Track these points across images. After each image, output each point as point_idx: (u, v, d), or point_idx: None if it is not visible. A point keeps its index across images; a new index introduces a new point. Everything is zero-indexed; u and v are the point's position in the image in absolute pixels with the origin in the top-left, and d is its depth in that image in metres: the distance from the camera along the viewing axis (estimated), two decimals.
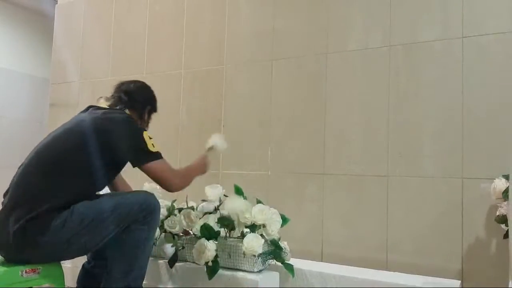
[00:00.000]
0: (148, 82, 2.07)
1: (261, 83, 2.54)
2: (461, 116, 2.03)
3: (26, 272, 1.57)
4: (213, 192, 2.07)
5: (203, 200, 2.09)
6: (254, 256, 1.85)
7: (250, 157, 2.53)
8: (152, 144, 1.74)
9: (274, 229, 1.90)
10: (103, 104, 1.93)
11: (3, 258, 1.64)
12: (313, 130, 2.36)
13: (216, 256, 1.89)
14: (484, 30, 2.02)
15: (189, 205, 2.13)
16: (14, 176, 1.72)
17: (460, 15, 2.07)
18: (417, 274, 1.96)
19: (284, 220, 1.95)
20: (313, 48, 2.41)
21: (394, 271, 2.02)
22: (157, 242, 2.08)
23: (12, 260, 1.61)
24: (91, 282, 1.94)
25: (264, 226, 1.89)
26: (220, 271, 1.89)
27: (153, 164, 1.73)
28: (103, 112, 1.81)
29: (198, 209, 2.08)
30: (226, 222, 1.95)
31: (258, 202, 1.96)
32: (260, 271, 1.91)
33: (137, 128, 1.79)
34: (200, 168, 1.98)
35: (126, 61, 3.05)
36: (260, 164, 2.49)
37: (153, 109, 2.03)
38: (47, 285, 1.64)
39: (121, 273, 1.70)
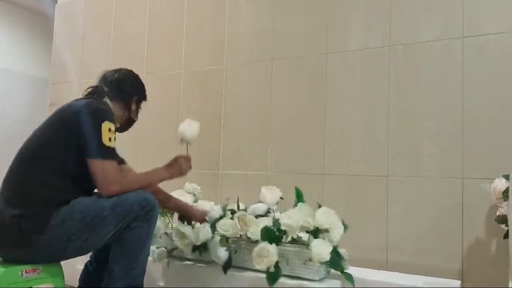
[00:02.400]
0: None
1: (261, 83, 2.54)
2: (461, 116, 2.03)
3: (26, 272, 1.57)
4: (270, 195, 1.96)
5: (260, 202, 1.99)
6: (321, 263, 1.69)
7: (250, 157, 2.53)
8: (110, 138, 1.63)
9: (336, 235, 1.74)
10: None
11: (1, 258, 1.64)
12: (313, 130, 2.36)
13: (277, 261, 1.74)
14: (484, 30, 2.02)
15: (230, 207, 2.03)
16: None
17: (460, 15, 2.07)
18: (417, 274, 1.95)
19: (345, 226, 1.79)
20: (313, 48, 2.40)
21: (394, 271, 2.02)
22: (211, 245, 1.95)
23: (11, 260, 1.60)
24: (93, 282, 1.93)
25: (327, 231, 1.73)
26: (282, 279, 1.74)
27: (99, 162, 1.62)
28: (68, 103, 1.75)
29: (248, 211, 1.96)
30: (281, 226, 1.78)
31: (319, 206, 1.81)
32: (321, 279, 1.76)
33: (95, 116, 1.64)
34: (163, 173, 1.84)
35: (126, 61, 3.04)
36: (260, 164, 2.49)
37: (141, 98, 1.95)
38: (47, 285, 1.64)
39: (122, 272, 1.69)
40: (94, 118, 1.64)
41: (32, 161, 1.65)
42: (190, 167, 1.91)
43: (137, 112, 1.97)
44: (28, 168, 1.64)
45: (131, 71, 1.99)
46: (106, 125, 1.63)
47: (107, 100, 1.84)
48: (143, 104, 2.00)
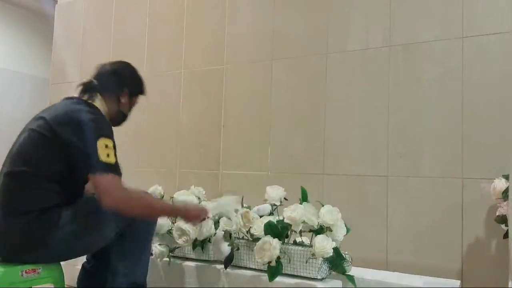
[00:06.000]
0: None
1: (261, 83, 2.54)
2: (461, 116, 2.03)
3: (26, 272, 1.56)
4: (274, 193, 1.95)
5: (265, 200, 1.98)
6: (323, 259, 1.70)
7: (250, 157, 2.53)
8: (108, 154, 1.51)
9: (340, 234, 1.75)
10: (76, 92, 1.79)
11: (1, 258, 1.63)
12: (313, 130, 2.36)
13: (279, 257, 1.74)
14: (484, 30, 2.02)
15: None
16: None
17: (460, 15, 2.06)
18: (417, 274, 1.96)
19: (348, 228, 1.81)
20: (313, 48, 2.40)
21: (394, 271, 2.02)
22: (212, 241, 1.96)
23: (13, 260, 1.58)
24: (91, 282, 1.93)
25: (330, 230, 1.74)
26: (284, 278, 1.73)
27: (102, 176, 1.49)
28: (64, 104, 1.68)
29: (252, 211, 1.95)
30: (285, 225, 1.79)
31: (322, 206, 1.82)
32: (322, 279, 1.74)
33: (94, 130, 1.54)
34: (175, 211, 1.83)
35: (126, 61, 3.05)
36: (260, 164, 2.49)
37: (134, 91, 1.83)
38: (47, 285, 1.64)
39: (126, 271, 1.70)
40: (91, 133, 1.52)
41: (24, 166, 1.58)
42: (201, 219, 1.83)
43: (129, 106, 1.85)
44: (22, 173, 1.57)
45: (127, 64, 1.89)
46: (102, 141, 1.52)
47: (97, 97, 1.74)
48: (143, 100, 1.91)
